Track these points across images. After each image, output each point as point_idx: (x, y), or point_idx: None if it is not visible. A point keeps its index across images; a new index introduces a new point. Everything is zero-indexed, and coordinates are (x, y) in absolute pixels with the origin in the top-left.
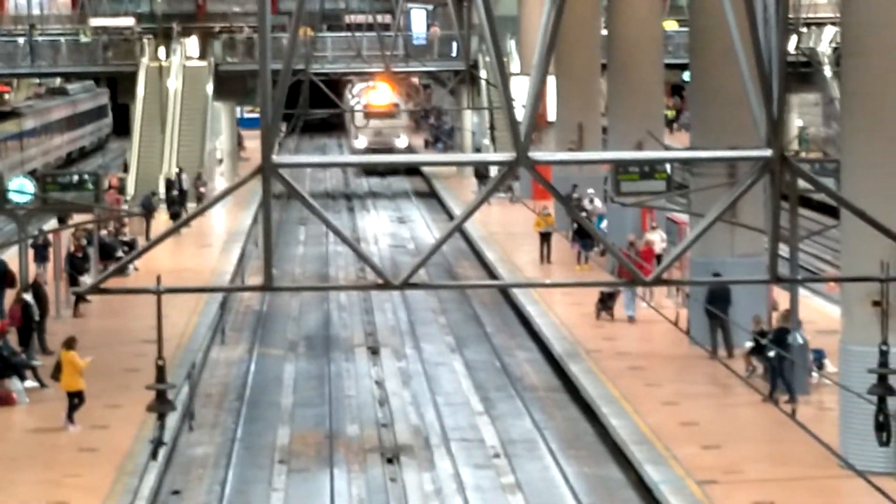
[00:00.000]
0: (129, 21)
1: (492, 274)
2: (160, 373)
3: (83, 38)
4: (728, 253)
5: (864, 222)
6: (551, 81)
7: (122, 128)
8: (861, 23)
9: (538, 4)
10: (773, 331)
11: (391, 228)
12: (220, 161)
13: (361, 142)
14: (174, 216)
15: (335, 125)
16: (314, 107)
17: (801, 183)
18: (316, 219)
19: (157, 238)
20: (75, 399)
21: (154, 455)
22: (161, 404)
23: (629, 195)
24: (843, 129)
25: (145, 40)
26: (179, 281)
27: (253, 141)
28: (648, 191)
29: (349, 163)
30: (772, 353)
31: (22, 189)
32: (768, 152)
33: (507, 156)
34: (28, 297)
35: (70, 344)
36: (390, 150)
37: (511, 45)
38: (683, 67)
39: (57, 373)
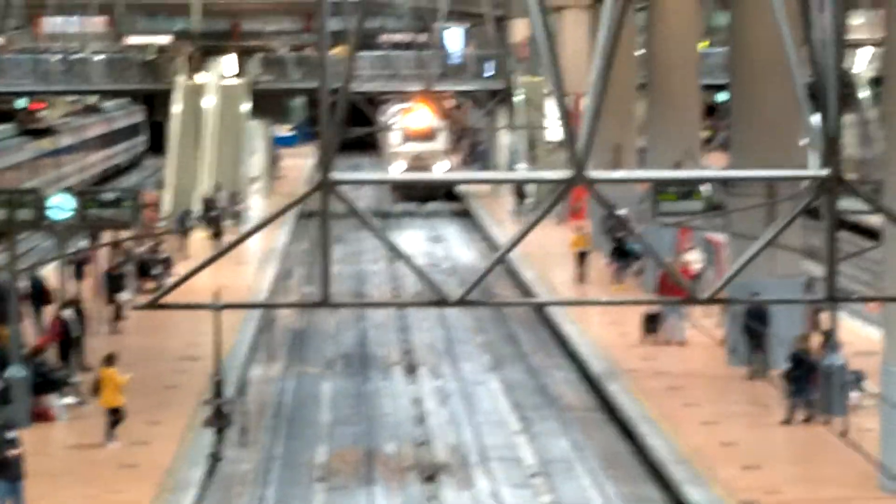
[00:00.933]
0: (165, 39)
1: (528, 293)
2: (217, 388)
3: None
4: (767, 274)
5: None
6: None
7: (157, 145)
8: None
9: (573, 24)
10: (791, 353)
11: (426, 247)
12: (256, 179)
13: (398, 166)
14: (216, 234)
15: (369, 144)
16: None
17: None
18: (350, 237)
19: (213, 257)
20: (115, 415)
21: (211, 471)
22: (219, 419)
23: (668, 215)
24: (886, 149)
25: (181, 58)
26: (222, 297)
27: (289, 159)
28: (687, 211)
29: (405, 180)
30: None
31: (62, 205)
32: (825, 172)
33: (564, 174)
34: (68, 313)
35: (110, 361)
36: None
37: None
38: (717, 88)
39: (97, 389)
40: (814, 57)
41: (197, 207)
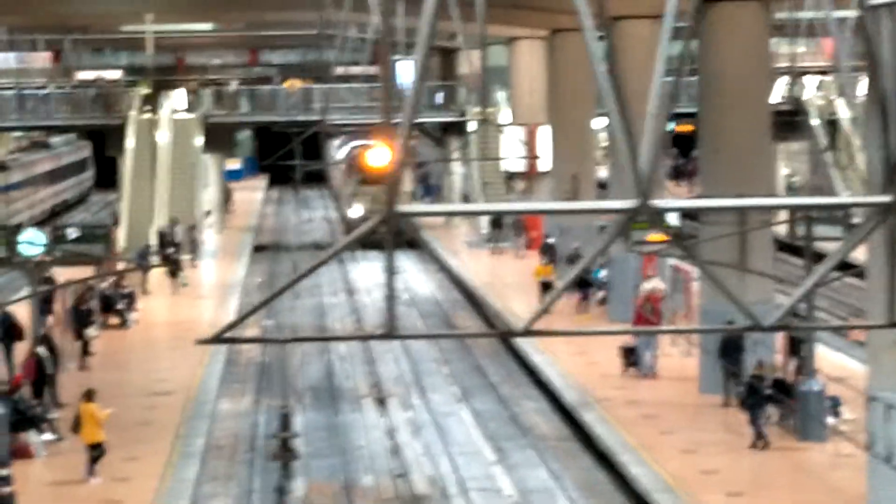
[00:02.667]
0: (116, 74)
1: (491, 324)
2: (284, 421)
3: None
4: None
5: None
6: (546, 131)
7: (104, 181)
8: None
9: (527, 54)
10: (747, 378)
11: (382, 279)
12: (209, 213)
13: (356, 210)
14: (173, 271)
15: (317, 177)
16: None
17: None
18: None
19: (275, 294)
20: (96, 451)
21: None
22: (285, 453)
23: (640, 244)
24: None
25: (133, 93)
26: (183, 332)
27: (238, 193)
28: (657, 240)
29: (474, 211)
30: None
31: (33, 241)
32: (888, 198)
33: (628, 203)
34: (41, 350)
35: (89, 396)
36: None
37: (501, 95)
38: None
39: (76, 425)
40: (877, 81)
41: (153, 242)
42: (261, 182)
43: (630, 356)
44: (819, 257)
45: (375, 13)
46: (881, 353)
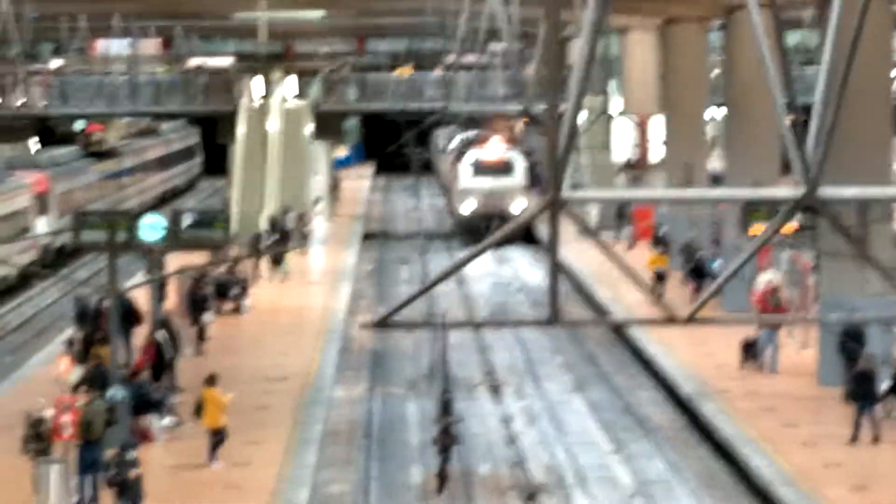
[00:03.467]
0: (227, 61)
1: (604, 314)
2: (445, 407)
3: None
4: (859, 292)
5: None
6: (657, 121)
7: (212, 167)
8: None
9: (639, 45)
10: (857, 373)
11: (492, 268)
12: (318, 201)
13: (468, 205)
14: (275, 258)
15: (424, 166)
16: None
17: None
18: (418, 259)
19: (442, 275)
20: (218, 436)
21: (440, 489)
22: (446, 438)
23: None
24: None
25: (244, 80)
26: (297, 319)
27: (346, 181)
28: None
29: (641, 198)
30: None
31: (154, 226)
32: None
33: (794, 192)
34: (161, 335)
35: (212, 381)
36: (503, 215)
37: (612, 85)
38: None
39: (199, 410)
40: None
41: (264, 229)
42: (368, 170)
43: (750, 350)
44: None
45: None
46: None
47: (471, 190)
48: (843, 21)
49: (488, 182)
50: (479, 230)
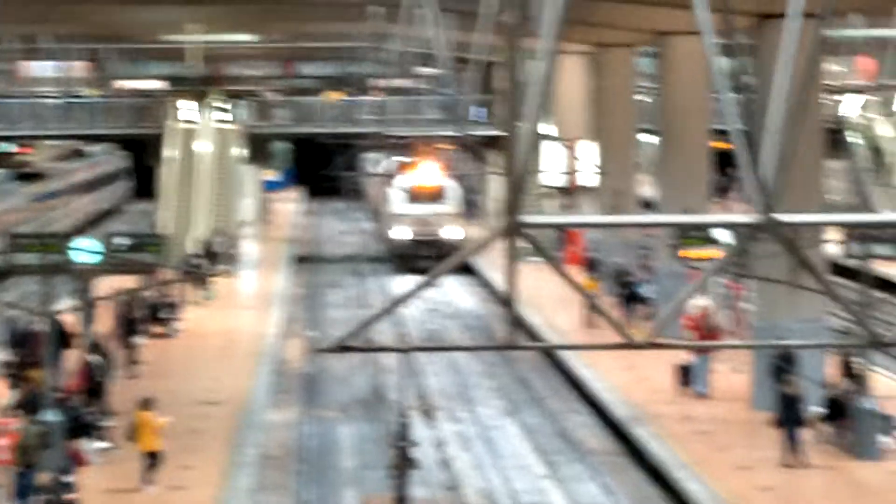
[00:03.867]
0: (157, 84)
1: (536, 339)
2: (403, 430)
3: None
4: (791, 317)
5: None
6: (587, 146)
7: (142, 190)
8: None
9: (569, 70)
10: (782, 396)
11: (424, 293)
12: (247, 223)
13: (401, 232)
14: (199, 281)
15: (347, 189)
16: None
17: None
18: (346, 282)
19: (394, 302)
20: (153, 460)
21: None
22: (404, 462)
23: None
24: None
25: (173, 102)
26: (228, 342)
27: (279, 205)
28: (706, 256)
29: (600, 223)
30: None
31: (88, 249)
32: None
33: (752, 217)
34: (94, 357)
35: (147, 404)
36: (436, 242)
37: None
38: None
39: (133, 433)
40: None
41: (193, 252)
42: (299, 194)
43: (685, 375)
44: (872, 279)
45: (419, 26)
46: None
47: (403, 216)
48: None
49: (421, 208)
50: (411, 257)
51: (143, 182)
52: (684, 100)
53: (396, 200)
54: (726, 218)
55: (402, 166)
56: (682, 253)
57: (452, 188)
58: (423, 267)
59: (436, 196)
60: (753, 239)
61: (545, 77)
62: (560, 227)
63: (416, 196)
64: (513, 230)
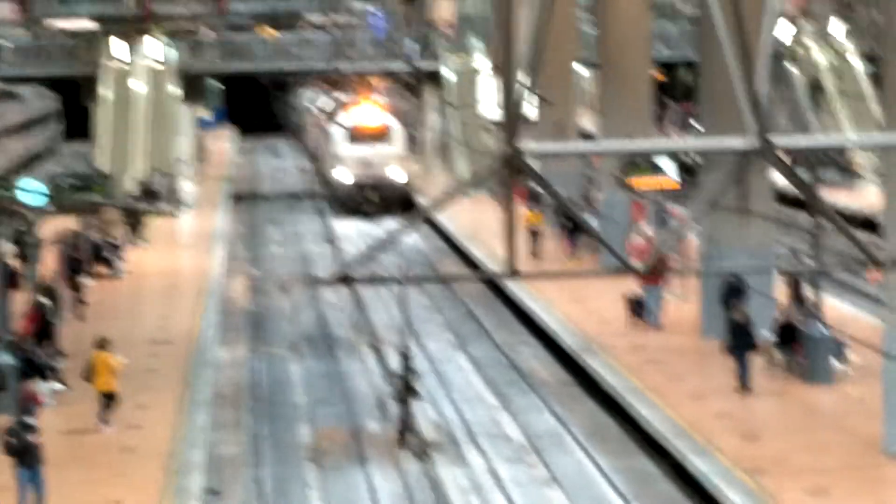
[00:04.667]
0: (89, 24)
1: (479, 270)
2: (406, 361)
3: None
4: (739, 245)
5: None
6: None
7: (73, 132)
8: None
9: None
10: (731, 324)
11: (365, 228)
12: (183, 162)
13: (344, 174)
14: (133, 225)
15: (281, 126)
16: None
17: None
18: (286, 218)
19: (384, 240)
20: (109, 400)
21: (401, 442)
22: (407, 392)
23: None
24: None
25: (106, 42)
26: (173, 281)
27: (211, 143)
28: (657, 185)
29: (601, 151)
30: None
31: (34, 189)
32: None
33: (746, 141)
34: (44, 299)
35: (103, 345)
36: (381, 185)
37: (475, 43)
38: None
39: (90, 374)
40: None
41: (132, 191)
42: (231, 132)
43: (637, 307)
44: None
45: None
46: None
47: (346, 158)
48: None
49: (365, 149)
50: (354, 201)
51: (75, 123)
52: (625, 29)
53: (338, 141)
54: (720, 142)
55: (344, 105)
56: (629, 181)
57: (396, 128)
58: (367, 210)
59: (379, 136)
60: (748, 163)
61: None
62: (558, 154)
63: (358, 136)
64: (512, 159)
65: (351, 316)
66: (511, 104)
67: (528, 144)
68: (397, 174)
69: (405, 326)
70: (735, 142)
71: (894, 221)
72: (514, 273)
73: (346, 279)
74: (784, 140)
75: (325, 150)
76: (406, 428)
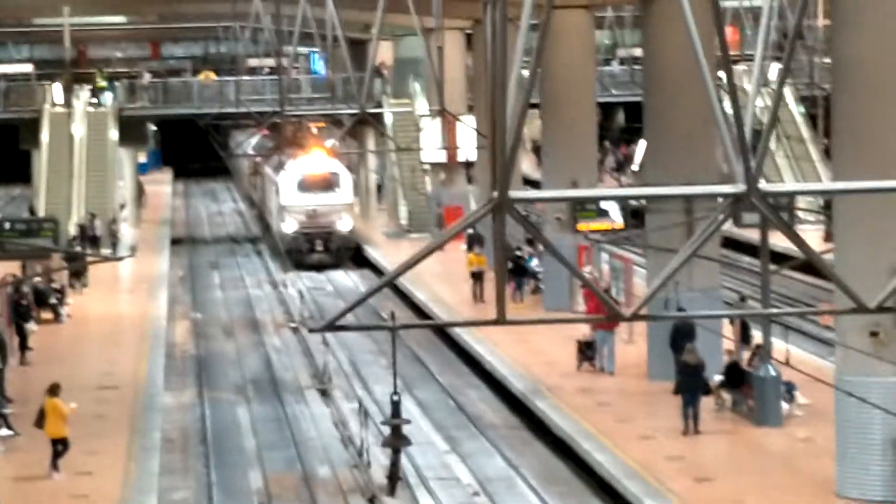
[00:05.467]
0: (27, 67)
1: (424, 314)
2: (396, 408)
3: None
4: (686, 287)
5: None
6: (466, 121)
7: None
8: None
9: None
10: (682, 366)
11: (305, 272)
12: (123, 206)
13: (289, 225)
14: (76, 271)
15: (218, 170)
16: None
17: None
18: (226, 262)
19: (382, 283)
20: (59, 446)
21: (392, 492)
22: (396, 439)
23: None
24: (834, 164)
25: (46, 86)
26: (117, 326)
27: (147, 186)
28: (603, 228)
29: (584, 197)
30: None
31: None
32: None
33: (734, 188)
34: None
35: (54, 391)
36: (329, 235)
37: (416, 86)
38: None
39: (40, 420)
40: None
41: (73, 235)
42: (166, 175)
43: (587, 350)
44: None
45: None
46: (849, 336)
47: (293, 208)
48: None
49: (313, 199)
50: (304, 252)
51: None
52: (568, 72)
53: (286, 191)
54: (709, 189)
55: (289, 151)
56: (578, 227)
57: (344, 174)
58: (316, 262)
59: (328, 184)
60: (737, 209)
61: (539, 50)
62: (553, 202)
63: (307, 186)
64: (503, 206)
65: (297, 361)
66: (502, 153)
67: (519, 192)
68: (345, 223)
69: (393, 372)
70: (727, 188)
71: (844, 263)
72: (502, 320)
73: (335, 327)
74: (770, 186)
75: (272, 200)
76: (395, 476)
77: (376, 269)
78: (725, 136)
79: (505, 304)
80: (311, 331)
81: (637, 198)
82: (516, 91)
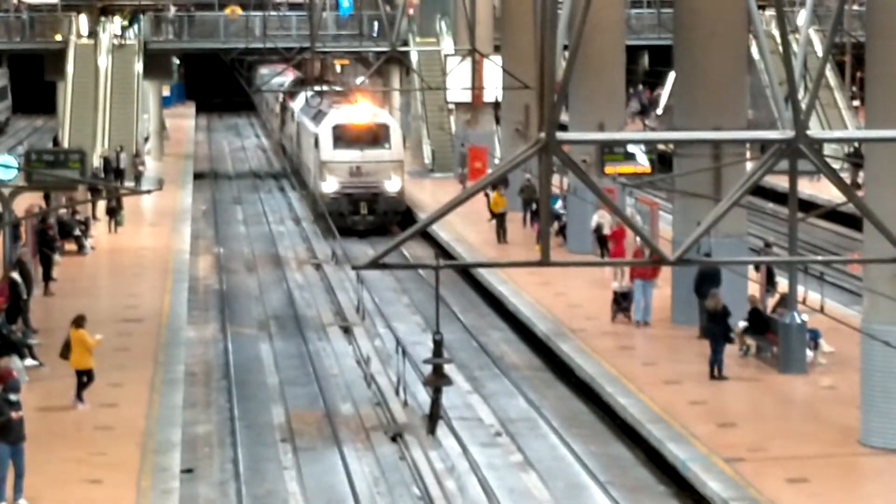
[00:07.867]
0: None
1: (447, 255)
2: (437, 347)
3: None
4: (711, 233)
5: None
6: (493, 61)
7: (23, 106)
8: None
9: None
10: (710, 312)
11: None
12: (147, 139)
13: (330, 184)
14: (111, 208)
15: (242, 105)
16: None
17: None
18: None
19: (426, 221)
20: (84, 377)
21: (432, 431)
22: (438, 378)
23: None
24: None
25: (73, 17)
26: (140, 259)
27: (170, 119)
28: (631, 171)
29: (634, 140)
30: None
31: (7, 165)
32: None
33: (783, 133)
34: (15, 275)
35: (79, 322)
36: (375, 197)
37: (442, 25)
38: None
39: (66, 351)
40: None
41: (97, 167)
42: (189, 109)
43: (622, 301)
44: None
45: None
46: (877, 284)
47: (335, 165)
48: None
49: (358, 154)
50: (342, 214)
51: (26, 99)
52: (596, 14)
53: (325, 144)
54: (758, 134)
55: (334, 101)
56: (606, 170)
57: (394, 127)
58: (360, 228)
59: (375, 139)
60: (784, 156)
61: None
62: (598, 144)
63: (350, 138)
64: (549, 147)
65: (320, 298)
66: (550, 94)
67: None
68: (394, 184)
69: (436, 311)
70: (775, 135)
71: (875, 211)
72: (546, 262)
73: (381, 265)
74: (820, 133)
75: (308, 153)
76: (435, 415)
77: None
78: (774, 82)
79: (549, 246)
80: (353, 268)
81: (676, 142)
82: (564, 31)
